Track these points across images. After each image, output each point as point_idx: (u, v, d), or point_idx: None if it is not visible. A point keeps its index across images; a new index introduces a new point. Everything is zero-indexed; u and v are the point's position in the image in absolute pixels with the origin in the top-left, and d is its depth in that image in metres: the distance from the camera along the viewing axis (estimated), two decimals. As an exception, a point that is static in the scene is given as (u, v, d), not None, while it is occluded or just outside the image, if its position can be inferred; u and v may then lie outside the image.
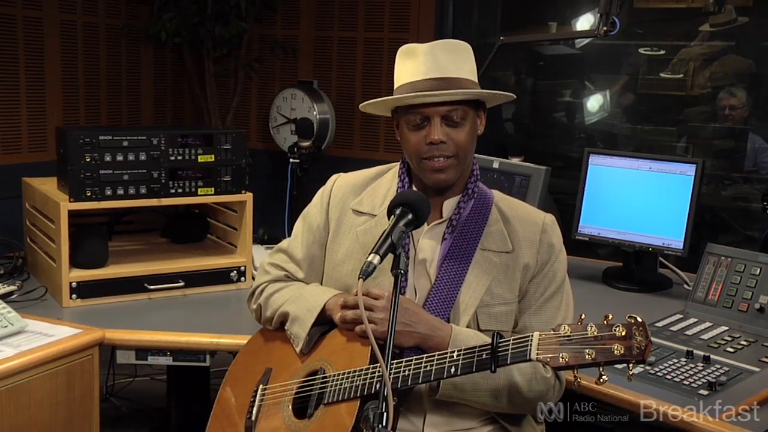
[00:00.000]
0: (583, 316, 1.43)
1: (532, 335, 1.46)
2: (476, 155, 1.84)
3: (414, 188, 1.80)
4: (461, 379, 1.58)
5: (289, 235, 1.98)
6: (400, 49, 1.76)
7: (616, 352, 1.37)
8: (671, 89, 4.61)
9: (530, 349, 1.44)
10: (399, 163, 1.86)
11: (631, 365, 1.38)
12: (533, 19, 4.98)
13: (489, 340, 1.57)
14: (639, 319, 1.37)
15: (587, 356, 1.38)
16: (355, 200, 1.86)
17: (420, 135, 1.70)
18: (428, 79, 1.68)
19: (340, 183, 1.91)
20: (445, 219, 1.78)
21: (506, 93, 1.79)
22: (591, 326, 1.40)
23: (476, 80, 1.75)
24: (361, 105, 1.82)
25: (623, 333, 1.37)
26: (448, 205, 1.79)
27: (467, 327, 1.71)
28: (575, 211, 2.82)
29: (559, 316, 1.75)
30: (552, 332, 1.44)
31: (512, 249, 1.75)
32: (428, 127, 1.69)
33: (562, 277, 1.78)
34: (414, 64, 1.71)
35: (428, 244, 1.77)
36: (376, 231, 1.76)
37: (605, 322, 1.40)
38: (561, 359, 1.40)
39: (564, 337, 1.41)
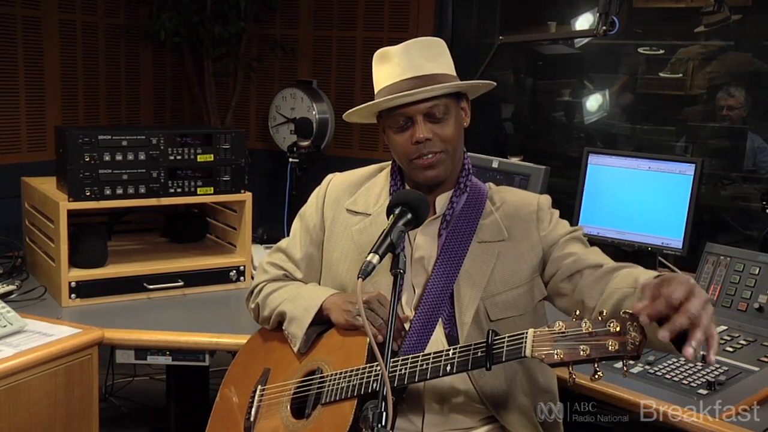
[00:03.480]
0: (577, 312, 1.44)
1: (526, 332, 1.46)
2: (475, 154, 1.85)
3: (407, 187, 1.80)
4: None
5: (288, 235, 1.98)
6: (375, 54, 1.76)
7: (610, 348, 1.37)
8: (670, 89, 4.61)
9: (525, 346, 1.45)
10: (391, 162, 1.86)
11: (625, 361, 1.38)
12: (532, 19, 4.98)
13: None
14: (633, 314, 1.37)
15: (582, 352, 1.38)
16: (350, 200, 1.86)
17: (405, 136, 1.71)
18: (405, 79, 1.69)
19: (334, 183, 1.92)
20: (438, 215, 1.78)
21: (484, 81, 1.79)
22: (585, 322, 1.40)
23: (454, 73, 1.75)
24: (344, 115, 1.82)
25: (617, 329, 1.37)
26: (441, 201, 1.79)
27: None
28: (574, 211, 2.82)
29: (586, 250, 1.74)
30: (546, 329, 1.44)
31: (508, 236, 1.76)
32: (412, 127, 1.70)
33: (575, 228, 1.80)
34: (389, 67, 1.72)
35: (424, 242, 1.77)
36: (371, 230, 1.77)
37: (600, 317, 1.40)
38: (556, 356, 1.41)
39: (558, 333, 1.42)
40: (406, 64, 1.69)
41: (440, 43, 1.76)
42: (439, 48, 1.75)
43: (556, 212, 1.82)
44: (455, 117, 1.72)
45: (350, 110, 1.79)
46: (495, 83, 1.83)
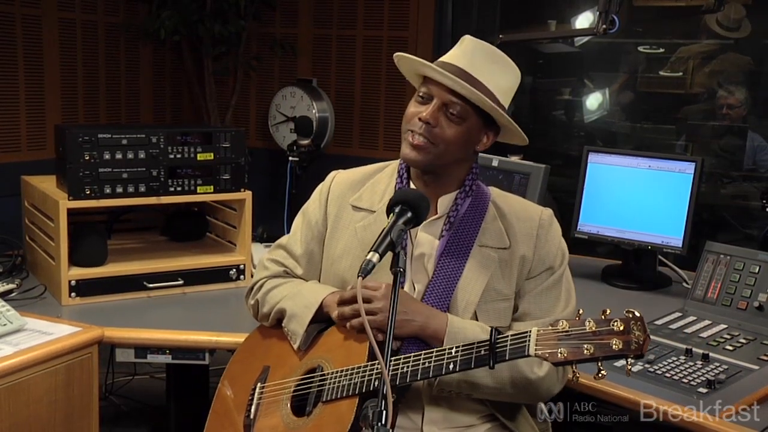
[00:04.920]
0: (581, 312, 1.44)
1: (530, 331, 1.46)
2: (475, 153, 1.84)
3: (412, 185, 1.80)
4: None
5: (289, 233, 1.98)
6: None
7: (614, 347, 1.37)
8: (670, 87, 4.61)
9: (528, 344, 1.45)
10: (399, 159, 1.86)
11: (629, 360, 1.39)
12: (532, 18, 4.98)
13: (485, 329, 1.60)
14: (637, 314, 1.38)
15: (585, 351, 1.39)
16: (354, 196, 1.86)
17: (418, 108, 1.72)
18: (455, 65, 1.70)
19: (338, 179, 1.92)
20: (441, 215, 1.78)
21: (518, 130, 1.78)
22: (589, 321, 1.40)
23: (504, 102, 1.75)
24: (395, 54, 1.79)
25: (621, 328, 1.38)
26: (444, 202, 1.79)
27: None
28: (574, 210, 2.82)
29: (559, 306, 1.74)
30: (550, 328, 1.44)
31: (509, 245, 1.75)
32: (427, 105, 1.70)
33: (562, 271, 1.78)
34: (455, 50, 1.75)
35: (426, 240, 1.77)
36: (374, 227, 1.77)
37: (603, 317, 1.40)
38: (560, 354, 1.41)
39: (562, 332, 1.42)
40: (468, 56, 1.71)
41: (511, 70, 1.78)
42: (507, 70, 1.77)
43: (556, 230, 1.80)
44: (467, 129, 1.71)
45: (403, 54, 1.77)
46: (527, 141, 1.82)
